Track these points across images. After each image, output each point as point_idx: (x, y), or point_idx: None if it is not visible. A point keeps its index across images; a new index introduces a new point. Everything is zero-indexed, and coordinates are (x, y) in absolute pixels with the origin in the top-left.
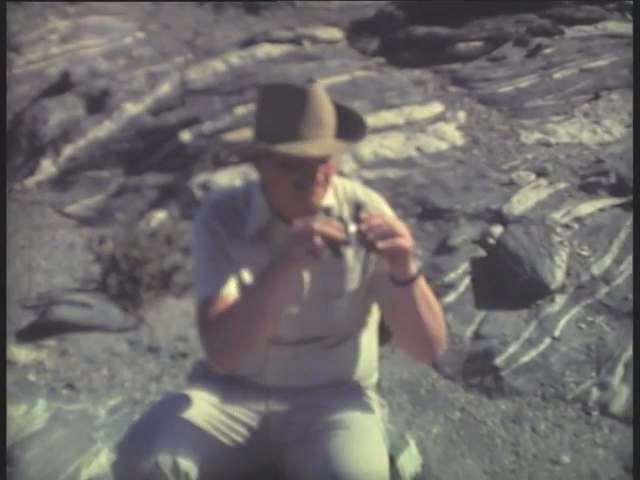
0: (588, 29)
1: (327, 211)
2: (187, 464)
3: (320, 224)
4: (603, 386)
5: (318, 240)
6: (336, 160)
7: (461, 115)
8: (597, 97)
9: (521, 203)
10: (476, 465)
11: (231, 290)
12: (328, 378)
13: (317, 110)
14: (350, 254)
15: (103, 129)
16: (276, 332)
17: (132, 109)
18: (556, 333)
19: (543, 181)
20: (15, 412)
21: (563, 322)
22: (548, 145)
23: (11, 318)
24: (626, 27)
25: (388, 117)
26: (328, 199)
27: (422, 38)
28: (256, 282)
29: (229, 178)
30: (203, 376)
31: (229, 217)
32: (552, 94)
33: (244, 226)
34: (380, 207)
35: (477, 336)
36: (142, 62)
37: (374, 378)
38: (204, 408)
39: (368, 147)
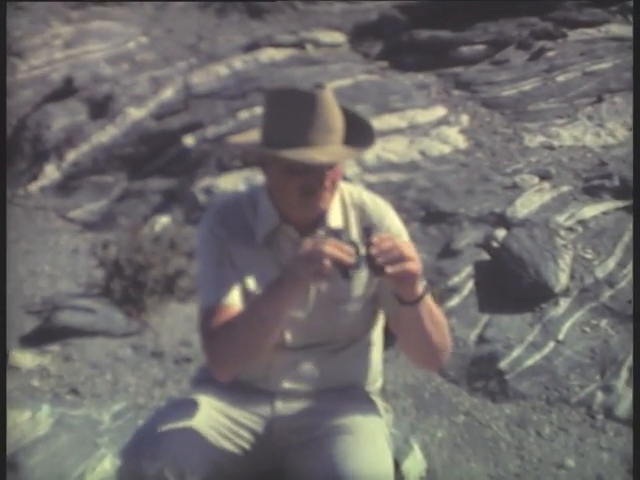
0: (591, 32)
1: (337, 233)
2: (192, 469)
3: (330, 247)
4: (608, 389)
5: (327, 263)
6: (342, 165)
7: (464, 118)
8: (600, 100)
9: (525, 206)
10: (481, 469)
11: (234, 299)
12: (333, 383)
13: (325, 116)
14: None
15: (106, 134)
16: (281, 337)
17: (135, 114)
18: (560, 336)
19: (546, 184)
20: (19, 418)
21: (567, 325)
22: (551, 148)
23: (15, 323)
24: (629, 30)
25: (391, 121)
26: (335, 216)
27: (425, 42)
28: (261, 296)
29: (233, 182)
30: (207, 381)
31: (234, 222)
32: (555, 97)
33: (250, 231)
34: (387, 213)
35: (481, 340)
36: (145, 67)
37: (379, 382)
38: (208, 413)
39: (371, 151)
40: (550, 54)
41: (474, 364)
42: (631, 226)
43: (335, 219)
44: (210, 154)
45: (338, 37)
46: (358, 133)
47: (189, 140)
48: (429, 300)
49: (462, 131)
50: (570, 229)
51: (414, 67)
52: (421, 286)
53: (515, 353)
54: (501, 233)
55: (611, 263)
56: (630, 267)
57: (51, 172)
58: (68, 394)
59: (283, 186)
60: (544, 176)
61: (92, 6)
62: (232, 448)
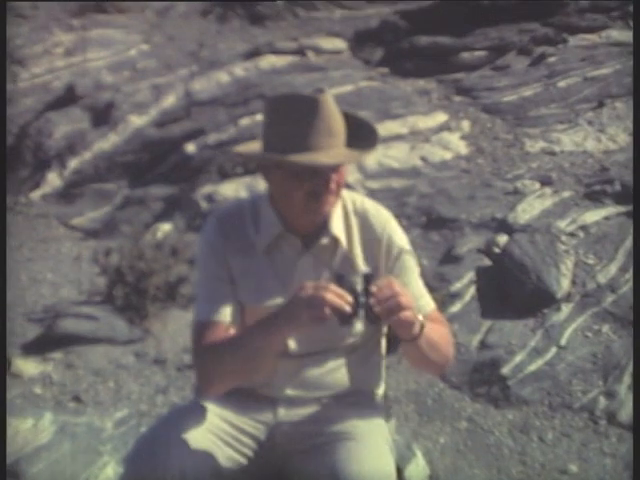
0: (591, 37)
1: (339, 279)
2: (194, 476)
3: (331, 295)
4: (610, 395)
5: (327, 310)
6: (345, 169)
7: (465, 124)
8: (601, 105)
9: (526, 212)
10: (484, 475)
11: (227, 316)
12: (335, 389)
13: (328, 120)
14: (359, 266)
15: (108, 141)
16: (284, 344)
17: (137, 121)
18: (562, 342)
19: (548, 190)
20: (21, 426)
21: (569, 331)
22: (552, 154)
23: (17, 331)
24: (629, 35)
25: (392, 127)
26: (337, 224)
27: (426, 48)
28: (255, 326)
29: (234, 189)
30: None
31: (235, 231)
32: (556, 103)
33: (251, 240)
34: (388, 221)
35: (483, 345)
36: (147, 74)
37: (381, 389)
38: (211, 420)
39: (373, 157)
40: (551, 60)
41: (476, 370)
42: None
43: (337, 226)
44: (212, 161)
45: (339, 44)
46: (360, 135)
47: (190, 147)
48: (427, 331)
49: (463, 137)
50: (572, 234)
51: (415, 73)
52: (417, 327)
53: (517, 359)
54: (503, 239)
55: (613, 268)
56: (632, 272)
57: (53, 180)
58: (70, 402)
59: (289, 192)
60: (545, 182)
61: (93, 14)
62: (234, 455)
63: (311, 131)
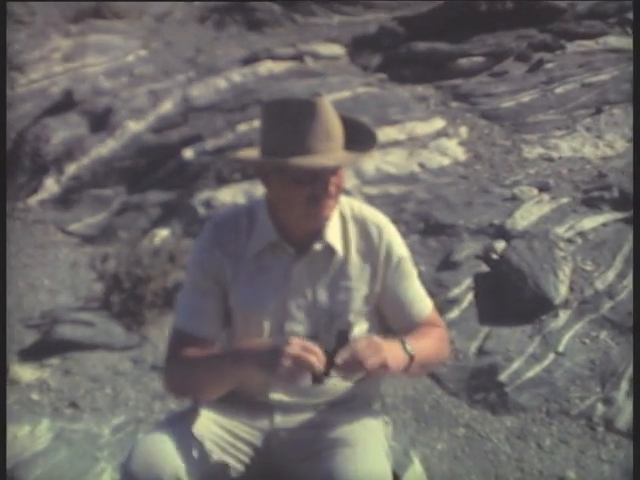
0: (589, 44)
1: (314, 338)
2: None
3: (315, 358)
4: (608, 401)
5: (301, 370)
6: (344, 173)
7: (463, 130)
8: (599, 111)
9: (524, 218)
10: None
11: (203, 331)
12: (332, 396)
13: (326, 123)
14: (356, 272)
15: (106, 147)
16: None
17: (134, 127)
18: (560, 348)
19: (546, 196)
20: (19, 432)
21: (567, 337)
22: (550, 160)
23: (14, 337)
24: (627, 42)
25: (390, 133)
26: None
27: (423, 54)
28: (229, 356)
29: (232, 195)
30: None
31: (229, 238)
32: (554, 109)
33: (245, 246)
34: (386, 227)
35: (481, 352)
36: (144, 80)
37: (378, 395)
38: (207, 426)
39: (370, 163)
40: (549, 66)
41: (474, 376)
42: (631, 237)
43: (333, 233)
44: (209, 167)
45: (337, 50)
46: (358, 138)
47: (188, 153)
48: (418, 357)
49: (461, 143)
50: (569, 241)
51: (413, 79)
52: (403, 365)
53: (515, 365)
54: (500, 245)
55: (611, 275)
56: (630, 279)
57: (50, 185)
58: (68, 408)
59: (288, 197)
60: (543, 188)
61: (91, 20)
62: (231, 461)
63: (309, 134)
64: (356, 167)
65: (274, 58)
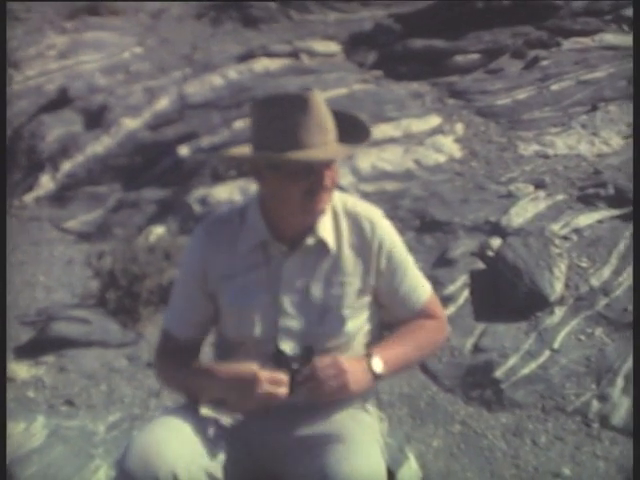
0: (585, 41)
1: (278, 356)
2: (186, 479)
3: (284, 391)
4: (603, 398)
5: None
6: (338, 167)
7: (459, 127)
8: (595, 109)
9: (519, 215)
10: (477, 478)
11: (189, 333)
12: None
13: (318, 117)
14: (349, 267)
15: (101, 144)
16: (273, 346)
17: (130, 124)
18: (556, 345)
19: (541, 193)
20: (14, 429)
21: (563, 334)
22: (546, 157)
23: (10, 334)
24: (623, 39)
25: (386, 130)
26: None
27: (419, 51)
28: (205, 374)
29: (228, 193)
30: None
31: (222, 237)
32: (550, 106)
33: (237, 245)
34: (379, 222)
35: (477, 349)
36: (140, 77)
37: (373, 392)
38: (203, 423)
39: (366, 160)
40: (544, 63)
41: (470, 373)
42: (626, 234)
43: (325, 228)
44: (205, 164)
45: (333, 47)
46: (351, 131)
47: (184, 150)
48: (393, 365)
49: (457, 140)
50: (565, 238)
51: (409, 76)
52: (364, 386)
53: (511, 362)
54: (496, 242)
55: (606, 271)
56: (625, 275)
57: (46, 183)
58: (63, 405)
59: (284, 192)
60: (539, 185)
61: (87, 16)
62: (226, 458)
63: (302, 129)
64: (352, 164)
65: (270, 55)
